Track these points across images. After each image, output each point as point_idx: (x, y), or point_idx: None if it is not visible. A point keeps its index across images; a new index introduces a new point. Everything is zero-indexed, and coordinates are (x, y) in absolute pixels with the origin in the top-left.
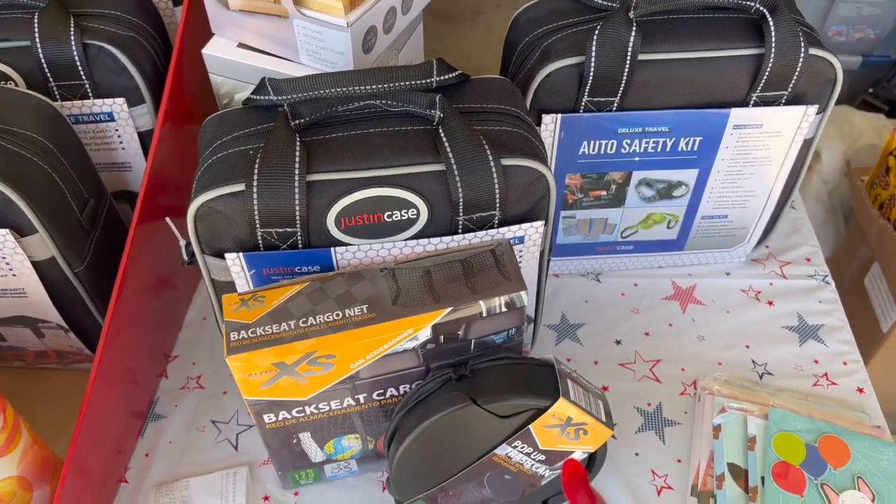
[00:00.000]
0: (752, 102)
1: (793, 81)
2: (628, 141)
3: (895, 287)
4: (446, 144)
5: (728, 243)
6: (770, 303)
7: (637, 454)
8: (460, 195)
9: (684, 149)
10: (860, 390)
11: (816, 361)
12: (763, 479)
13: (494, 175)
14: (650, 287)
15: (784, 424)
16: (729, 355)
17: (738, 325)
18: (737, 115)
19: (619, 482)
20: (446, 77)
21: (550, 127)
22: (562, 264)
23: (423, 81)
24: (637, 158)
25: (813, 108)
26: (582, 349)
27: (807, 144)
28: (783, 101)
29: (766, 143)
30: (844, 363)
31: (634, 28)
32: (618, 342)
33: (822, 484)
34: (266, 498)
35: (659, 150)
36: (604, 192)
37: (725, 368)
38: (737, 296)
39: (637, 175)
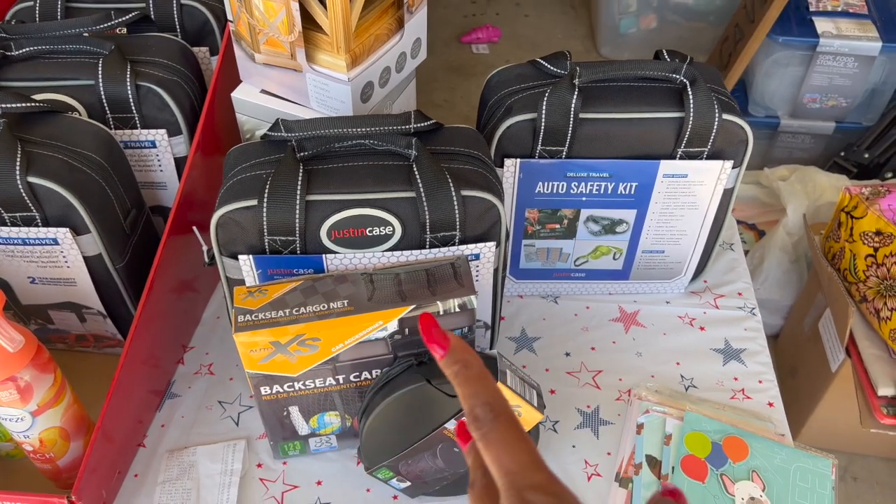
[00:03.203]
0: (678, 156)
1: (711, 140)
2: (576, 183)
3: (842, 331)
4: (417, 177)
5: (667, 275)
6: (702, 328)
7: (574, 446)
8: (427, 217)
9: (623, 192)
10: (770, 404)
11: (736, 379)
12: (673, 468)
13: (455, 203)
14: (600, 310)
15: (696, 425)
16: (661, 370)
17: (672, 346)
18: (666, 165)
19: (556, 469)
20: (422, 125)
21: (511, 169)
22: (525, 286)
23: (404, 127)
24: (584, 198)
25: (729, 163)
26: (536, 358)
27: (728, 193)
28: (704, 156)
29: (692, 190)
30: (760, 381)
31: (577, 92)
32: (567, 354)
33: (721, 474)
34: (259, 465)
35: (602, 192)
36: (557, 226)
37: (657, 380)
38: (674, 321)
39: (585, 212)
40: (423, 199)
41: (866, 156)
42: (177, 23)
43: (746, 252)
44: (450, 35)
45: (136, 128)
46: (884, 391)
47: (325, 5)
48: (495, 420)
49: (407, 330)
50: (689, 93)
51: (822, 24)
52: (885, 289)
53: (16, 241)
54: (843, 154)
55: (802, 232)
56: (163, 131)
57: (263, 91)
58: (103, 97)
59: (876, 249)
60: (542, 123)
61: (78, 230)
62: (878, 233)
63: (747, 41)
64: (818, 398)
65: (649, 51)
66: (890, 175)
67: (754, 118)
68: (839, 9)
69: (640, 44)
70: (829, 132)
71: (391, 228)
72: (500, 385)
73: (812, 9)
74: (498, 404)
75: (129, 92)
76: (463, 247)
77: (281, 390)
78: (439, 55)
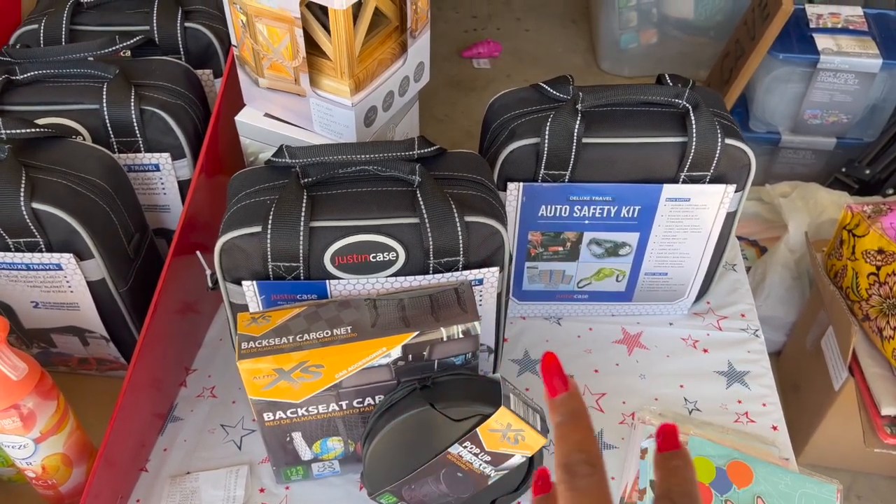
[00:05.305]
0: (681, 180)
1: (713, 164)
2: (579, 207)
3: (845, 349)
4: (421, 203)
5: (670, 297)
6: (705, 350)
7: None
8: (430, 243)
9: (626, 215)
10: (774, 428)
11: (740, 402)
12: None
13: (459, 229)
14: (603, 332)
15: (699, 450)
16: (664, 392)
17: (675, 368)
18: (668, 190)
19: None
20: (425, 151)
21: (514, 193)
22: (528, 308)
23: (407, 153)
24: (587, 221)
25: (732, 187)
26: (539, 381)
27: (730, 217)
28: (707, 180)
29: (695, 214)
30: (764, 404)
31: (580, 117)
32: (570, 376)
33: (726, 500)
34: (262, 490)
35: (605, 215)
36: (560, 248)
37: (660, 403)
38: (677, 343)
39: (587, 235)
40: (427, 225)
41: (867, 171)
42: (181, 45)
43: (748, 269)
44: (450, 50)
45: (140, 151)
46: (887, 410)
47: (328, 31)
48: (591, 474)
49: (410, 356)
50: (692, 118)
51: (822, 41)
52: (888, 307)
53: (19, 267)
54: (844, 170)
55: (804, 249)
56: (166, 155)
57: (267, 115)
58: (108, 121)
59: (878, 268)
60: (545, 148)
61: (82, 255)
62: (880, 251)
63: (748, 57)
64: (821, 416)
65: (650, 66)
66: (891, 191)
67: (755, 134)
68: (839, 26)
69: (640, 59)
70: (830, 148)
71: (395, 254)
72: (503, 409)
73: (812, 25)
74: (596, 457)
75: (134, 116)
76: (466, 272)
77: (284, 416)
78: (440, 70)
